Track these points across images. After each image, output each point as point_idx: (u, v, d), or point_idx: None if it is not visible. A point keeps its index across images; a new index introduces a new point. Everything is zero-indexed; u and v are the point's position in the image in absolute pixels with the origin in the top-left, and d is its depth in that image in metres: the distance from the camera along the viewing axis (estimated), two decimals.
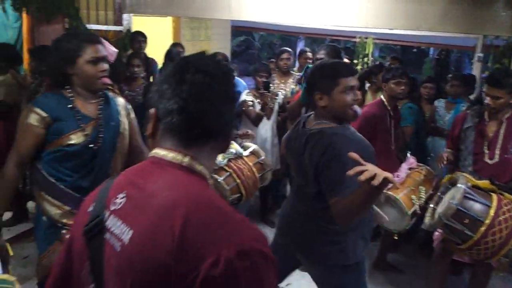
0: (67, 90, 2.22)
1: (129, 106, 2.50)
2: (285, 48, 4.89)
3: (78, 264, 1.04)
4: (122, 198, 0.99)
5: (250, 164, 3.21)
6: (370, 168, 1.53)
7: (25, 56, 5.53)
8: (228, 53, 7.46)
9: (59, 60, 2.17)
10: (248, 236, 0.88)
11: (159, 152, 1.01)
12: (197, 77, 0.97)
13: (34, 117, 2.14)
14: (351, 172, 1.56)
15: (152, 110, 1.03)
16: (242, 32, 11.65)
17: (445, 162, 3.14)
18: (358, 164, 1.57)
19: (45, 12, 4.16)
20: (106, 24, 5.30)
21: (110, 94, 2.39)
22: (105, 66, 2.23)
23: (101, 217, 1.00)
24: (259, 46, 14.41)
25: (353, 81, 2.08)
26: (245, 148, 3.21)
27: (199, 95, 0.97)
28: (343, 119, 2.11)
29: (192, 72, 0.97)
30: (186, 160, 0.99)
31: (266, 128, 4.22)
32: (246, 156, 3.20)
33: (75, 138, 2.18)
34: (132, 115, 2.47)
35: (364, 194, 1.68)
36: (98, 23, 5.20)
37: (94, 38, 2.25)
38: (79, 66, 2.17)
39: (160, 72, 4.78)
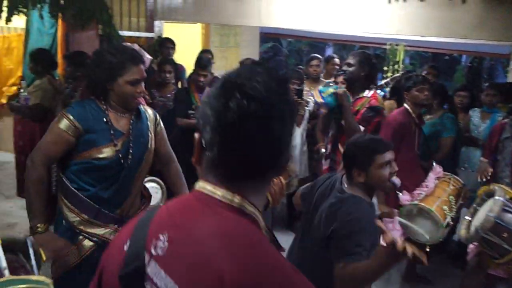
0: (102, 102, 2.23)
1: (158, 117, 2.47)
2: (315, 54, 4.87)
3: None
4: (164, 241, 0.86)
5: (281, 179, 3.19)
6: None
7: (59, 61, 5.69)
8: (256, 59, 7.49)
9: (101, 74, 2.17)
10: None
11: (205, 187, 0.90)
12: (243, 104, 0.83)
13: (66, 124, 2.15)
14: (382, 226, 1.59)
15: (196, 136, 0.92)
16: (270, 38, 11.66)
17: (488, 177, 3.06)
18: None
19: (80, 18, 4.26)
20: (138, 30, 5.41)
21: (142, 107, 2.39)
22: (143, 87, 2.24)
23: (141, 263, 0.87)
24: (287, 52, 14.40)
25: (389, 156, 2.12)
26: None
27: (245, 127, 0.83)
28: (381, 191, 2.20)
29: (238, 97, 0.83)
30: (237, 200, 0.87)
31: (295, 135, 4.20)
32: None
33: (106, 152, 2.18)
34: (160, 125, 2.45)
35: (381, 260, 1.65)
36: (130, 29, 5.31)
37: (139, 58, 2.24)
38: (119, 84, 2.17)
39: (188, 81, 4.84)
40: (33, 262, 1.81)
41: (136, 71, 2.18)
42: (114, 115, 2.24)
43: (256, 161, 0.86)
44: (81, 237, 2.23)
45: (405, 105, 3.54)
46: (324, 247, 2.00)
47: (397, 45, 7.00)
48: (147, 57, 3.54)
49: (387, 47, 7.26)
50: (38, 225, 2.13)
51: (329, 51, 13.22)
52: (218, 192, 0.87)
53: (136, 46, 3.27)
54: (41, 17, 4.15)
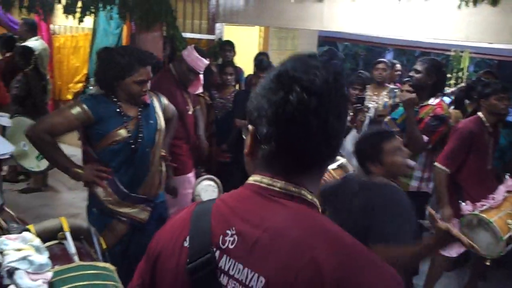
0: (111, 96, 2.42)
1: (162, 98, 2.68)
2: (382, 59, 4.77)
3: None
4: (232, 235, 0.87)
5: (337, 178, 3.14)
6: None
7: None
8: None
9: (110, 73, 2.35)
10: (393, 280, 0.82)
11: (261, 180, 0.90)
12: (303, 98, 0.83)
13: (78, 111, 2.33)
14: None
15: (250, 128, 0.92)
16: (326, 42, 11.52)
17: None
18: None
19: (147, 20, 4.38)
20: (199, 32, 5.50)
21: (152, 97, 2.58)
22: (148, 85, 2.42)
23: (210, 257, 0.87)
24: (343, 56, 14.20)
25: (396, 142, 2.17)
26: None
27: (305, 120, 0.84)
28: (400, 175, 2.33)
29: (298, 91, 0.83)
30: (296, 190, 0.88)
31: (352, 138, 4.12)
32: (333, 169, 3.14)
33: (118, 135, 2.38)
34: (164, 100, 2.68)
35: (427, 246, 1.77)
36: (192, 31, 5.41)
37: (147, 59, 2.41)
38: (126, 83, 2.36)
39: (249, 81, 4.87)
40: (97, 248, 1.86)
41: (143, 72, 2.37)
42: (124, 105, 2.43)
43: (313, 154, 0.87)
44: (114, 220, 2.44)
45: (479, 113, 3.37)
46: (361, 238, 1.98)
47: (462, 51, 6.71)
48: (205, 62, 3.60)
49: (451, 53, 6.98)
50: (75, 170, 2.40)
51: (388, 56, 12.91)
52: (277, 184, 0.88)
53: (195, 53, 3.35)
54: (110, 17, 4.32)
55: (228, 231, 0.87)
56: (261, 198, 0.88)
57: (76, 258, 1.67)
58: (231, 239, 0.86)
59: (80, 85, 6.71)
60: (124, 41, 5.93)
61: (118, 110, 2.40)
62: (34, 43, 5.24)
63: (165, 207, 2.73)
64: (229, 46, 5.25)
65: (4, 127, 3.95)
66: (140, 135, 2.43)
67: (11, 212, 1.85)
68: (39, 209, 4.66)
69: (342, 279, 0.76)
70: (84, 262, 1.66)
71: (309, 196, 0.89)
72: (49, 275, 1.48)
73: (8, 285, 1.40)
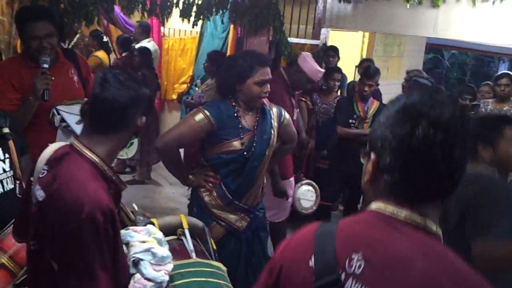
0: (231, 101, 2.44)
1: (283, 113, 2.64)
2: (506, 71, 4.43)
3: None
4: (358, 260, 0.90)
5: None
6: None
7: None
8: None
9: (232, 76, 2.38)
10: None
11: (385, 208, 0.93)
12: (429, 132, 0.86)
13: (201, 118, 2.37)
14: None
15: (373, 156, 0.96)
16: (431, 49, 10.98)
17: None
18: None
19: (255, 24, 4.48)
20: (304, 37, 5.50)
21: (267, 106, 2.57)
22: (268, 87, 2.43)
23: (335, 278, 0.91)
24: (448, 65, 13.43)
25: None
26: None
27: (430, 154, 0.86)
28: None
29: (424, 126, 0.86)
30: (421, 220, 0.90)
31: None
32: None
33: (234, 146, 2.40)
34: (286, 118, 2.65)
35: None
36: (297, 36, 5.43)
37: (266, 61, 2.45)
38: (247, 85, 2.38)
39: (352, 88, 4.76)
40: (211, 248, 1.90)
41: (263, 73, 2.39)
42: (242, 113, 2.45)
43: (436, 186, 0.89)
44: (213, 222, 2.48)
45: None
46: (458, 236, 1.84)
47: None
48: (321, 70, 3.56)
49: None
50: (187, 176, 2.53)
51: (502, 68, 11.97)
52: (402, 213, 0.90)
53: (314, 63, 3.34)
54: (222, 22, 4.47)
55: (354, 256, 0.90)
56: (386, 225, 0.91)
57: (193, 254, 1.72)
58: (358, 264, 0.89)
59: (184, 86, 7.01)
60: (229, 45, 6.10)
61: (236, 120, 2.44)
62: (147, 44, 5.58)
63: (264, 216, 2.74)
64: (333, 51, 5.18)
65: None
66: (252, 149, 2.46)
67: (135, 206, 1.96)
68: (141, 200, 4.93)
69: None
70: (201, 260, 1.71)
71: (434, 228, 0.90)
72: (170, 266, 1.55)
73: (134, 274, 1.48)
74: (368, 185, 0.98)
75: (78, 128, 2.55)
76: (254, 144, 2.45)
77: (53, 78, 2.42)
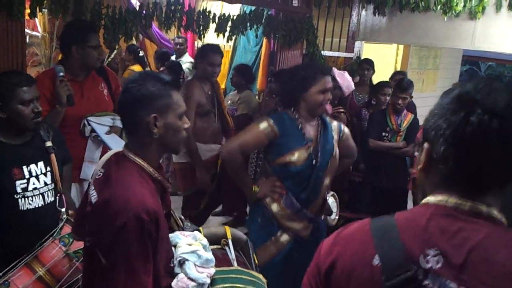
0: (293, 111, 2.50)
1: (342, 128, 2.68)
2: None
3: None
4: (435, 255, 0.87)
5: None
6: None
7: (260, 77, 6.13)
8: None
9: (295, 86, 2.46)
10: None
11: (446, 200, 0.90)
12: (484, 120, 0.84)
13: (265, 126, 2.45)
14: None
15: (426, 146, 0.94)
16: (468, 61, 10.76)
17: None
18: None
19: (289, 38, 4.50)
20: (338, 50, 5.49)
21: (327, 118, 2.62)
22: (330, 95, 2.49)
23: (410, 275, 0.87)
24: (484, 77, 13.11)
25: None
26: None
27: (485, 142, 0.84)
28: None
29: (479, 113, 0.84)
30: (486, 210, 0.88)
31: None
32: None
33: (298, 155, 2.42)
34: (345, 133, 2.70)
35: None
36: (331, 49, 5.42)
37: (328, 70, 2.54)
38: (311, 93, 2.44)
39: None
40: (252, 261, 1.92)
41: (325, 81, 2.45)
42: (304, 124, 2.50)
43: (493, 175, 0.87)
44: (279, 232, 2.51)
45: None
46: None
47: None
48: (351, 84, 3.58)
49: None
50: (253, 188, 2.55)
51: None
52: (467, 204, 0.88)
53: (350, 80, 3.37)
54: (256, 36, 4.51)
55: (429, 251, 0.87)
56: (453, 218, 0.89)
57: (235, 263, 1.76)
58: (435, 258, 0.86)
59: None
60: (262, 58, 6.16)
61: (299, 130, 2.49)
62: (186, 58, 5.72)
63: (324, 224, 2.77)
64: (367, 64, 5.14)
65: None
66: (317, 160, 2.49)
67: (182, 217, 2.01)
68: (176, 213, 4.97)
69: None
70: (242, 268, 1.75)
71: (499, 216, 0.89)
72: (212, 270, 1.60)
73: (178, 273, 1.54)
74: (422, 176, 0.97)
75: (107, 138, 2.67)
76: (319, 154, 2.49)
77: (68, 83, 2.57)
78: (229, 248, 1.82)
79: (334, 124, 2.64)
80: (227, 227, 1.91)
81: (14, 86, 2.04)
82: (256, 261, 1.99)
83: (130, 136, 1.56)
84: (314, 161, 2.46)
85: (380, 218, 0.98)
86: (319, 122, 2.56)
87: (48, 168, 2.19)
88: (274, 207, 2.51)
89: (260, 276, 1.78)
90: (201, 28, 3.96)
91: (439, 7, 4.34)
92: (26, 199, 2.09)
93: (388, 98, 4.33)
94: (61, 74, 2.55)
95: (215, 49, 3.52)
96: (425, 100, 5.43)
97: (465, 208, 0.89)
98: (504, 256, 0.83)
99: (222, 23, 4.10)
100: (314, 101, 2.45)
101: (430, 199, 0.94)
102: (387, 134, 4.14)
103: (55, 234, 2.08)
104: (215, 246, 1.82)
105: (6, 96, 2.03)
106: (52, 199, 2.20)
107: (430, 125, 0.93)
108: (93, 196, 1.50)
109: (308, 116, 2.51)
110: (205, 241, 1.67)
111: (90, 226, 1.49)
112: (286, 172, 2.47)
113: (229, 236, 1.85)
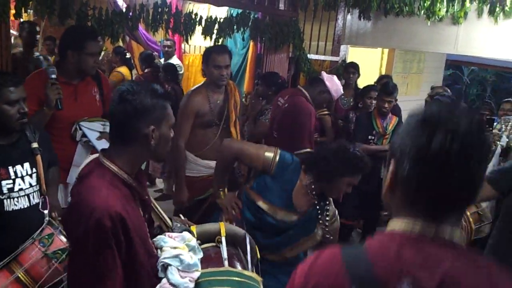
0: (309, 176, 2.31)
1: (337, 217, 2.47)
2: None
3: None
4: (409, 283, 0.87)
5: (468, 213, 2.95)
6: None
7: (246, 80, 6.15)
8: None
9: (328, 173, 2.24)
10: None
11: (412, 226, 0.91)
12: (447, 141, 0.86)
13: (269, 156, 2.34)
14: None
15: (392, 165, 0.96)
16: (451, 66, 10.93)
17: None
18: None
19: (275, 41, 4.53)
20: (324, 54, 5.54)
21: (331, 204, 2.42)
22: (350, 189, 2.30)
23: None
24: (468, 81, 13.33)
25: None
26: None
27: (447, 163, 0.86)
28: None
29: (441, 134, 0.86)
30: (449, 235, 0.90)
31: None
32: (470, 214, 2.97)
33: (272, 211, 2.32)
34: (336, 223, 2.48)
35: None
36: (317, 53, 5.47)
37: (366, 167, 2.30)
38: (340, 181, 2.26)
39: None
40: (249, 257, 1.88)
41: (356, 178, 2.27)
42: (304, 192, 2.34)
43: (456, 195, 0.89)
44: None
45: None
46: None
47: None
48: (339, 88, 3.60)
49: None
50: (220, 191, 2.52)
51: None
52: (430, 230, 0.90)
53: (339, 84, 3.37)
54: (243, 38, 4.53)
55: (403, 280, 0.87)
56: (421, 246, 0.90)
57: (226, 263, 1.73)
58: (410, 287, 0.87)
59: None
60: (249, 61, 6.18)
61: (291, 195, 2.32)
62: (174, 61, 5.70)
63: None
64: (353, 68, 5.19)
65: None
66: (290, 231, 2.33)
67: (182, 216, 2.00)
68: (172, 214, 4.91)
69: None
70: (232, 268, 1.72)
71: (458, 238, 0.91)
72: (196, 274, 1.58)
73: (162, 278, 1.53)
74: (388, 196, 0.98)
75: (97, 143, 2.64)
76: (294, 227, 2.32)
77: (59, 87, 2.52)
78: (222, 246, 1.78)
79: (331, 209, 2.41)
80: (222, 224, 1.88)
81: (0, 86, 2.02)
82: (259, 256, 1.96)
83: (117, 144, 1.52)
84: (285, 227, 2.32)
85: (350, 248, 0.98)
86: (320, 201, 2.34)
87: (34, 170, 2.18)
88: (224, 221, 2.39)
89: (254, 274, 1.75)
90: (189, 30, 3.98)
91: (422, 11, 4.42)
92: (12, 200, 2.08)
93: (374, 101, 4.37)
94: (53, 76, 2.52)
95: (220, 49, 3.17)
96: (410, 103, 5.51)
97: (430, 234, 0.90)
98: (474, 280, 0.86)
99: (209, 26, 4.13)
100: (338, 188, 2.25)
101: (396, 225, 0.94)
102: (373, 137, 4.18)
103: (35, 235, 2.07)
104: (209, 244, 1.80)
105: None
106: (38, 200, 2.19)
107: (397, 144, 0.95)
108: (69, 203, 1.51)
109: (317, 192, 2.30)
110: (194, 241, 1.65)
111: (65, 229, 1.51)
112: (257, 212, 2.32)
113: (223, 233, 1.82)
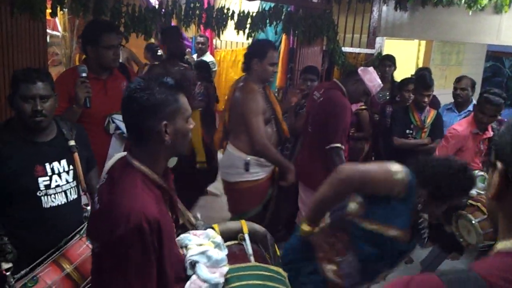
0: (423, 198, 2.06)
1: None
2: None
3: None
4: None
5: None
6: None
7: (279, 74, 6.08)
8: (479, 79, 6.81)
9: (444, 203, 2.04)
10: None
11: None
12: None
13: (401, 177, 1.96)
14: None
15: (499, 166, 0.79)
16: (492, 57, 10.51)
17: None
18: None
19: (309, 34, 4.45)
20: (359, 46, 5.41)
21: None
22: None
23: None
24: (509, 73, 12.78)
25: None
26: None
27: None
28: None
29: None
30: None
31: None
32: None
33: (397, 233, 2.05)
34: None
35: None
36: (352, 46, 5.35)
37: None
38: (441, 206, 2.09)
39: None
40: (271, 254, 1.90)
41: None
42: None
43: None
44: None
45: None
46: None
47: None
48: (380, 84, 3.46)
49: None
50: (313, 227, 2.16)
51: None
52: None
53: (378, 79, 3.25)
54: (276, 33, 4.47)
55: None
56: None
57: (252, 258, 1.74)
58: None
59: None
60: (281, 55, 6.11)
61: (412, 208, 1.99)
62: (207, 58, 5.70)
63: None
64: (389, 61, 5.04)
65: None
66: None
67: (199, 215, 1.99)
68: (199, 209, 4.99)
69: None
70: (259, 263, 1.72)
71: None
72: (225, 269, 1.57)
73: (191, 275, 1.52)
74: (493, 205, 0.81)
75: None
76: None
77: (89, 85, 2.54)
78: (245, 243, 1.79)
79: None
80: (243, 221, 1.88)
81: (18, 81, 2.04)
82: (278, 253, 1.96)
83: (136, 144, 1.48)
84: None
85: (453, 274, 0.79)
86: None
87: (71, 167, 2.20)
88: (330, 274, 2.05)
89: (280, 270, 1.74)
90: (221, 25, 3.95)
91: (463, 1, 4.24)
92: (49, 196, 2.10)
93: (412, 94, 4.24)
94: (84, 74, 2.54)
95: (273, 46, 3.09)
96: (448, 96, 5.32)
97: None
98: None
99: (241, 20, 4.08)
100: (442, 208, 2.04)
101: (507, 243, 0.78)
102: (411, 131, 4.07)
103: (82, 231, 2.10)
104: (232, 242, 1.80)
105: (12, 90, 2.05)
106: (75, 196, 2.21)
107: (505, 140, 0.77)
108: (97, 202, 1.50)
109: (430, 215, 2.07)
110: (218, 238, 1.64)
111: (94, 231, 1.49)
112: (380, 240, 1.95)
113: (245, 230, 1.82)
